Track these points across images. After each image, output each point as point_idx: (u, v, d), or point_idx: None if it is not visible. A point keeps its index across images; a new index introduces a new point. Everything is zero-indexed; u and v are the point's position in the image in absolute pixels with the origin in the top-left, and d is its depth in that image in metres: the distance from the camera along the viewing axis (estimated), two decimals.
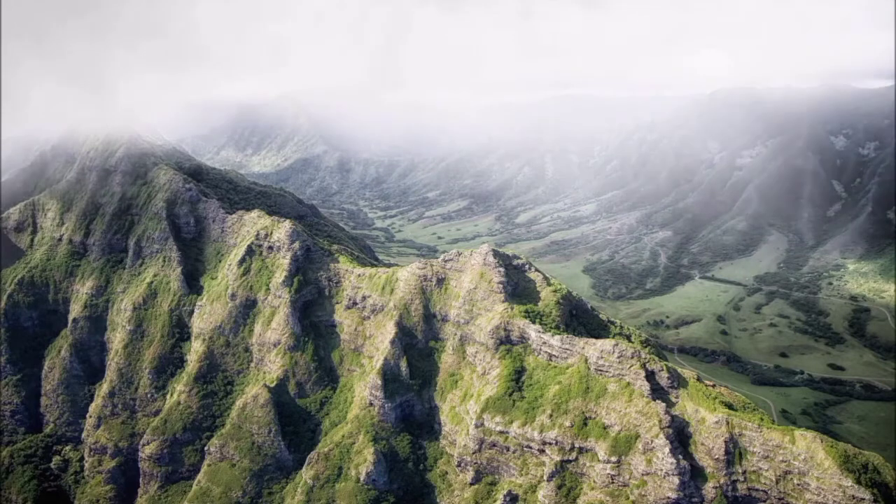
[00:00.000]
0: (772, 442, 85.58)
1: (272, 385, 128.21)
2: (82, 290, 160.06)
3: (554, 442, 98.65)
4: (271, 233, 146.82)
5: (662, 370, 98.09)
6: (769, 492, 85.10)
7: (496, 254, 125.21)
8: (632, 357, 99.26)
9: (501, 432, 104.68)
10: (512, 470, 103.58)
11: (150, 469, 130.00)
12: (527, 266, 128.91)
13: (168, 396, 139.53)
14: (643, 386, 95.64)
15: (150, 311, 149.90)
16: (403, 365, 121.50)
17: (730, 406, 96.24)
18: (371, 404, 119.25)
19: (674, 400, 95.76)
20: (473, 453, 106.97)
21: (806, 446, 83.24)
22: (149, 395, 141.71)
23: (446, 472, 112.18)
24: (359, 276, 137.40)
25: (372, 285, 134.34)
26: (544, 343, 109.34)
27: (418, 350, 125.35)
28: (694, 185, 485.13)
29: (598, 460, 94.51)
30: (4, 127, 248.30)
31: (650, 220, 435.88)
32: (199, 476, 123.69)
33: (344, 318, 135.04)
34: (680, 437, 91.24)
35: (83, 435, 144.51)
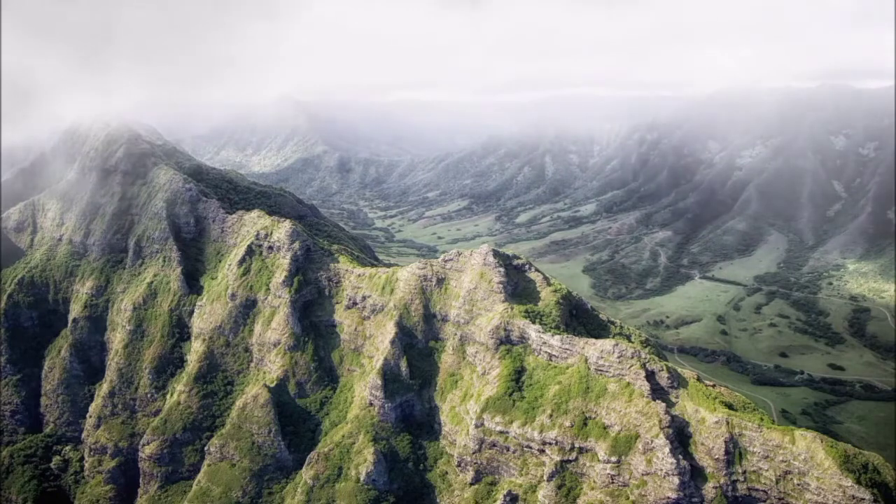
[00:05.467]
0: (772, 442, 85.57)
1: (272, 385, 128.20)
2: (82, 290, 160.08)
3: (554, 442, 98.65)
4: (271, 233, 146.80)
5: (662, 370, 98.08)
6: (769, 492, 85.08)
7: (496, 254, 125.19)
8: (632, 357, 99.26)
9: (501, 432, 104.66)
10: (512, 470, 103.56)
11: (150, 469, 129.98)
12: (527, 266, 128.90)
13: (168, 396, 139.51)
14: (643, 386, 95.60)
15: (150, 311, 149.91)
16: (403, 365, 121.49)
17: (730, 406, 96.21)
18: (371, 404, 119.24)
19: (674, 400, 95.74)
20: (473, 453, 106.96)
21: (806, 446, 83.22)
22: (149, 395, 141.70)
23: (446, 472, 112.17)
24: (359, 276, 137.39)
25: (372, 285, 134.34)
26: (544, 343, 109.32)
27: (418, 350, 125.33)
28: (694, 185, 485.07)
29: (598, 460, 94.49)
30: (4, 127, 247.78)
31: (650, 220, 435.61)
32: (199, 476, 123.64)
33: (344, 318, 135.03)
34: (680, 437, 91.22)
35: (83, 435, 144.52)
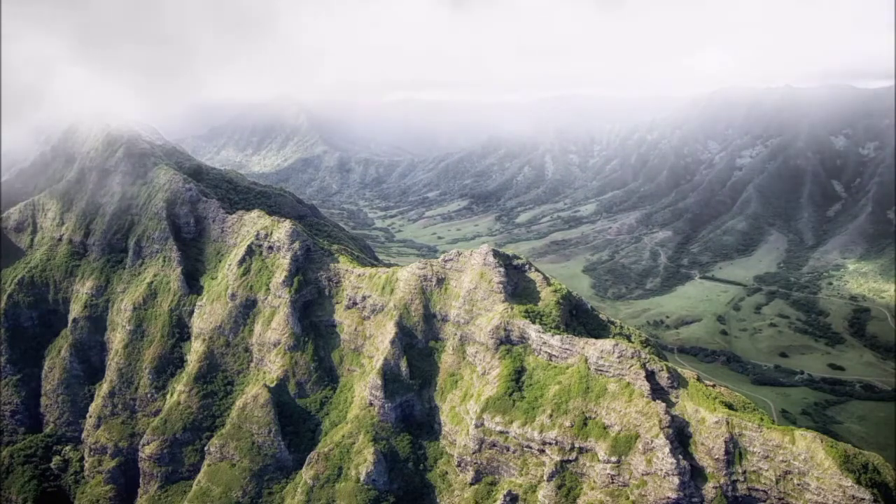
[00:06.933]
0: (772, 442, 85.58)
1: (272, 385, 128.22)
2: (82, 290, 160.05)
3: (554, 442, 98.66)
4: (271, 233, 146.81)
5: (662, 370, 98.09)
6: (769, 492, 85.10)
7: (496, 254, 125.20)
8: (632, 357, 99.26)
9: (501, 432, 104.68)
10: (512, 470, 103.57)
11: (150, 469, 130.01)
12: (527, 266, 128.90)
13: (168, 396, 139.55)
14: (643, 386, 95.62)
15: (150, 311, 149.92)
16: (403, 365, 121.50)
17: (730, 406, 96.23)
18: (371, 404, 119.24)
19: (674, 400, 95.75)
20: (473, 453, 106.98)
21: (806, 446, 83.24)
22: (149, 395, 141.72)
23: (446, 472, 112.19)
24: (359, 276, 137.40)
25: (372, 285, 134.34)
26: (544, 343, 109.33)
27: (418, 350, 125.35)
28: (694, 185, 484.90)
29: (598, 460, 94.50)
30: (4, 127, 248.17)
31: (650, 220, 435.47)
32: (199, 476, 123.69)
33: (344, 318, 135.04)
34: (680, 437, 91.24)
35: (83, 435, 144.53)
